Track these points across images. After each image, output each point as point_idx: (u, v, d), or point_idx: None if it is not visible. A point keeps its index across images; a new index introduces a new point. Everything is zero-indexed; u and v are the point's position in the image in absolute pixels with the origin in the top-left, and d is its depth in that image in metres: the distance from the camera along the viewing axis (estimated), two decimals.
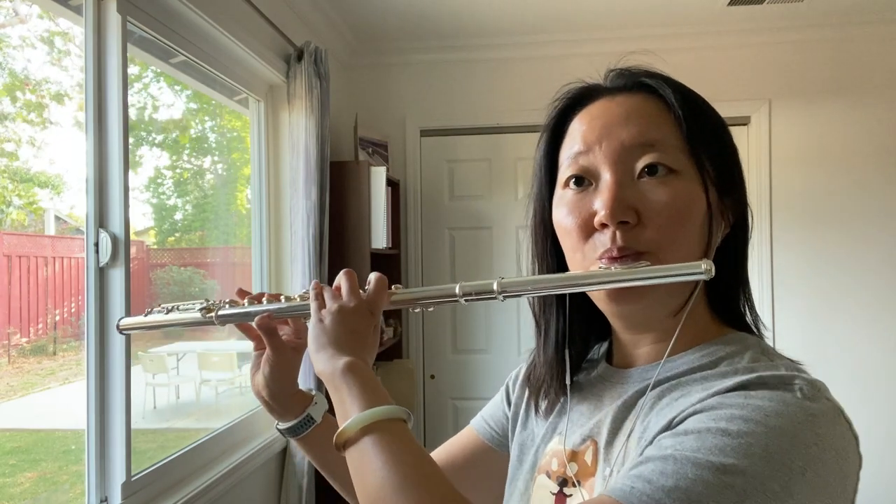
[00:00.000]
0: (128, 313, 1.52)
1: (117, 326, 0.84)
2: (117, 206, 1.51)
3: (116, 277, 1.51)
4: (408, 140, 3.23)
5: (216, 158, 2.56)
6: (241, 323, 0.79)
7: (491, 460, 0.82)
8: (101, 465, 1.49)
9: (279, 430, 0.82)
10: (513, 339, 3.20)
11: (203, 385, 2.51)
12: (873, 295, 2.97)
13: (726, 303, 0.66)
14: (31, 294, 1.70)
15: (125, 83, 1.54)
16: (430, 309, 0.71)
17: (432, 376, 3.24)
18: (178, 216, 2.34)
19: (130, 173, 1.56)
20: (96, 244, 1.49)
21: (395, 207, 3.10)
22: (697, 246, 0.61)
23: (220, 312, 0.77)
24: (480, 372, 3.22)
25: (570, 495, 0.65)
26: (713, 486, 0.46)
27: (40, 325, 1.71)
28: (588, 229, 0.62)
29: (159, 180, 2.16)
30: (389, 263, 3.03)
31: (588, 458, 0.64)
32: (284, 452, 2.28)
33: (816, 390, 0.53)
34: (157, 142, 2.07)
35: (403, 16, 2.84)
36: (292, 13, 2.47)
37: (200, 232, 2.44)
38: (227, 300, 0.78)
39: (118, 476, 1.50)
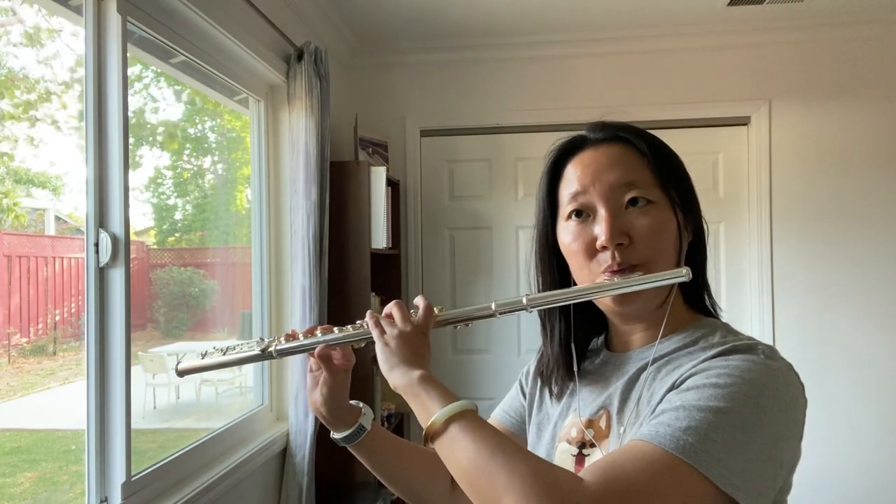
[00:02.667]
0: (128, 314, 1.52)
1: (175, 370, 0.91)
2: (117, 206, 1.51)
3: (116, 277, 1.51)
4: (408, 140, 3.23)
5: (216, 158, 2.56)
6: (293, 356, 0.91)
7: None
8: (101, 465, 1.49)
9: (335, 440, 0.95)
10: (513, 339, 3.20)
11: (203, 385, 2.52)
12: (873, 295, 2.97)
13: (694, 294, 0.86)
14: (31, 294, 1.70)
15: (125, 83, 1.54)
16: (469, 325, 0.86)
17: None
18: (178, 216, 2.35)
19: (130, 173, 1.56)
20: (96, 244, 1.49)
21: (395, 207, 3.10)
22: (673, 255, 0.82)
23: (278, 347, 0.88)
24: (480, 372, 3.22)
25: (588, 455, 0.82)
26: (713, 423, 0.64)
27: (40, 325, 1.71)
28: (591, 251, 0.81)
29: (159, 180, 2.17)
30: (389, 263, 3.03)
31: (602, 423, 0.82)
32: (284, 452, 2.28)
33: (773, 352, 0.74)
34: (157, 142, 2.07)
35: (403, 16, 2.84)
36: (292, 13, 2.47)
37: (200, 232, 2.44)
38: (283, 336, 0.90)
39: (118, 476, 1.50)
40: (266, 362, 2.35)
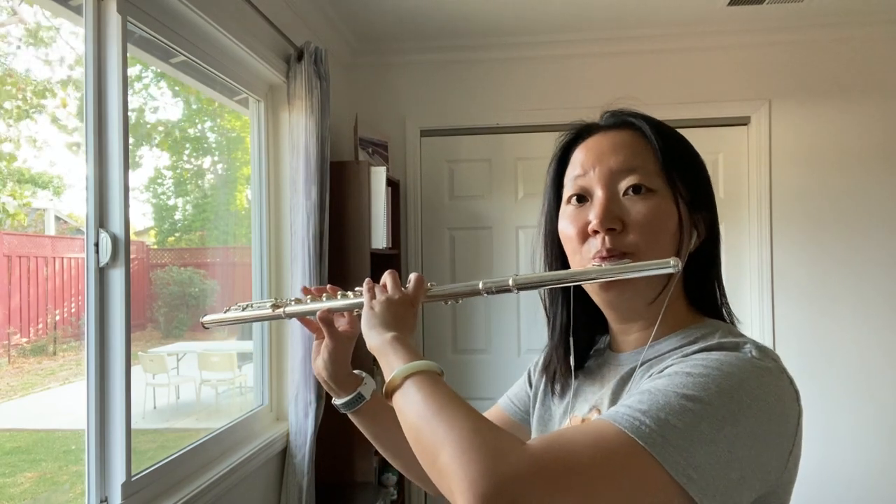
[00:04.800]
0: (128, 314, 1.52)
1: (201, 323, 0.98)
2: (117, 206, 1.51)
3: (116, 277, 1.51)
4: (408, 140, 3.23)
5: (216, 158, 2.56)
6: (302, 317, 0.94)
7: (516, 431, 0.96)
8: (101, 465, 1.49)
9: (335, 406, 0.97)
10: (513, 339, 3.20)
11: (203, 385, 2.52)
12: (873, 294, 2.97)
13: (701, 296, 0.82)
14: (31, 294, 1.70)
15: (125, 83, 1.54)
16: (459, 302, 0.86)
17: None
18: (178, 216, 2.35)
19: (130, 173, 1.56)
20: (96, 244, 1.49)
21: (395, 207, 3.10)
22: (670, 249, 0.77)
23: (287, 309, 0.92)
24: (480, 372, 3.22)
25: None
26: (676, 409, 0.61)
27: (40, 325, 1.71)
28: (584, 235, 0.78)
29: (159, 180, 2.17)
30: (389, 263, 3.03)
31: None
32: (284, 452, 2.28)
33: (764, 354, 0.68)
34: (156, 142, 2.07)
35: (403, 16, 2.84)
36: (292, 13, 2.47)
37: (200, 232, 2.44)
38: (293, 298, 0.94)
39: (118, 476, 1.50)
40: (266, 361, 2.35)
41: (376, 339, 0.79)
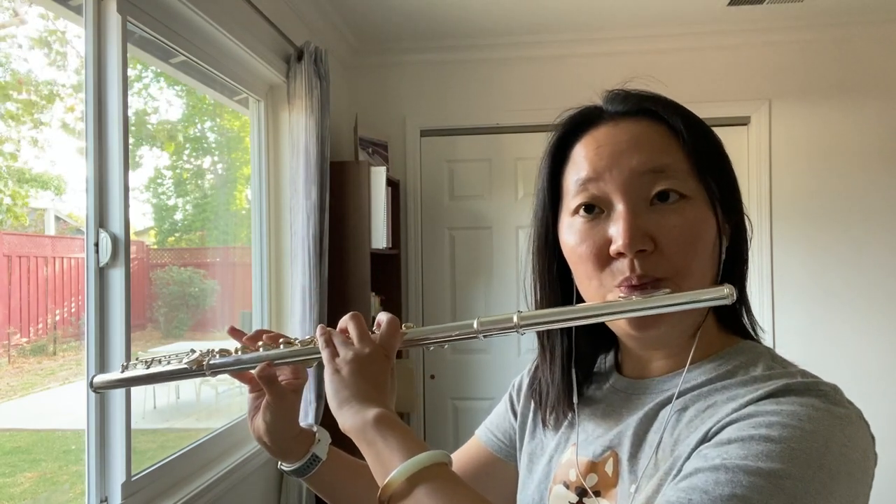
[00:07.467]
0: (128, 313, 1.52)
1: (90, 384, 0.78)
2: (117, 206, 1.51)
3: (116, 277, 1.51)
4: (408, 140, 3.23)
5: (216, 158, 2.56)
6: (233, 373, 0.76)
7: (499, 470, 0.83)
8: (101, 465, 1.49)
9: (285, 472, 0.80)
10: (513, 339, 3.20)
11: (203, 385, 2.51)
12: (873, 295, 2.97)
13: (730, 311, 0.67)
14: (31, 294, 1.70)
15: (125, 83, 1.54)
16: (445, 346, 0.71)
17: (432, 376, 3.24)
18: (178, 216, 2.34)
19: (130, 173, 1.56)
20: (96, 244, 1.49)
21: (395, 207, 3.10)
22: (711, 268, 0.63)
23: (212, 362, 0.73)
24: (480, 372, 3.22)
25: None
26: (766, 490, 0.49)
27: (40, 325, 1.71)
28: (604, 258, 0.62)
29: (159, 180, 2.16)
30: (389, 263, 3.03)
31: (609, 468, 0.65)
32: None
33: (838, 395, 0.57)
34: (156, 143, 2.07)
35: (403, 16, 2.84)
36: (292, 13, 2.47)
37: (200, 232, 2.44)
38: (218, 350, 0.75)
39: (118, 476, 1.50)
40: None
41: (353, 420, 0.61)
